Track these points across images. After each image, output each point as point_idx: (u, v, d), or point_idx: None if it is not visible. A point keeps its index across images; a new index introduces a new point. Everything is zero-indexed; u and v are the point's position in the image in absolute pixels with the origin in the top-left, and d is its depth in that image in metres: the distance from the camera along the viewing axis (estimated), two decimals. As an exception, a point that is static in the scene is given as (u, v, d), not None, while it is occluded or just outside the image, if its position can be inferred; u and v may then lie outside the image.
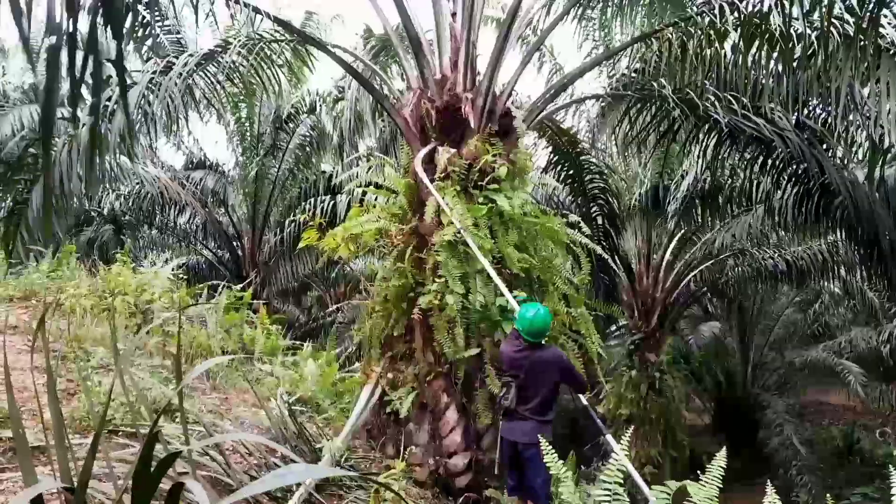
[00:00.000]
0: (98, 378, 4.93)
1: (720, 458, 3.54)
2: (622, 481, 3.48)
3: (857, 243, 8.14)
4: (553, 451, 3.83)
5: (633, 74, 7.68)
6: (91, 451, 1.96)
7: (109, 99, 6.12)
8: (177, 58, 6.88)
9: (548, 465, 3.70)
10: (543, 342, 4.58)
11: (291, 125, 13.83)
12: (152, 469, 2.04)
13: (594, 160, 11.31)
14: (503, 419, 4.62)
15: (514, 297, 5.40)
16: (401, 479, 4.79)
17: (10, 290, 7.32)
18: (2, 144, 11.03)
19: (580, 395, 4.92)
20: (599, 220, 11.19)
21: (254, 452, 4.20)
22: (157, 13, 7.50)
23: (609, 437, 4.52)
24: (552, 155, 10.50)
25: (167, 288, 7.89)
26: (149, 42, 7.39)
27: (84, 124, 5.98)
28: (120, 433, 3.94)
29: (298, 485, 3.92)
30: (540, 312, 4.50)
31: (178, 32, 10.38)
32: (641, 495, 4.22)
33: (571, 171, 10.70)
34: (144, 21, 7.21)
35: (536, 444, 4.01)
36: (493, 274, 5.34)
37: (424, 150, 5.98)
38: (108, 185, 12.49)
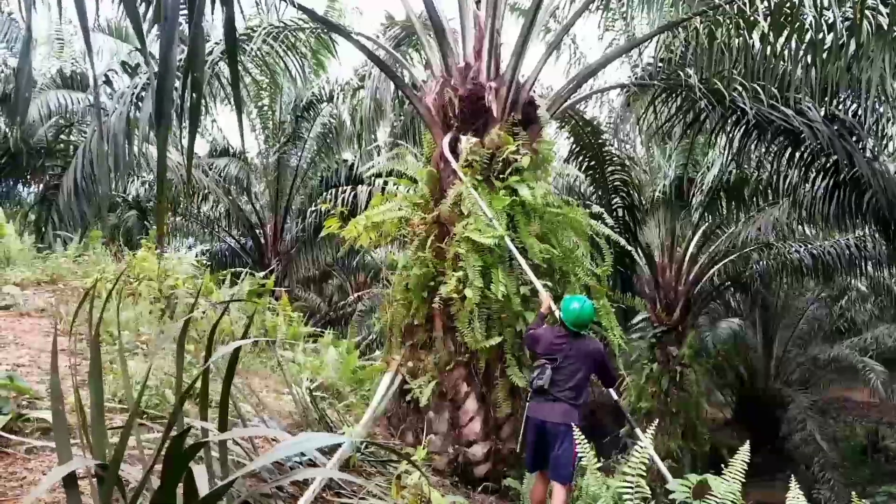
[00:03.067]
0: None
1: (743, 453, 3.51)
2: (644, 474, 3.47)
3: (890, 236, 8.00)
4: (584, 437, 3.92)
5: (659, 64, 7.59)
6: (125, 430, 1.99)
7: (137, 87, 6.19)
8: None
9: (577, 447, 3.82)
10: (584, 333, 4.78)
11: (312, 113, 13.88)
12: (181, 453, 2.07)
13: (616, 151, 11.22)
14: (532, 399, 4.71)
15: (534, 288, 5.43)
16: (421, 466, 4.81)
17: (38, 274, 7.44)
18: (30, 129, 11.18)
19: (610, 391, 5.04)
20: (620, 212, 11.12)
21: (278, 437, 4.24)
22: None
23: (638, 431, 4.52)
24: (574, 145, 10.44)
25: (191, 274, 7.97)
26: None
27: (115, 110, 6.05)
28: (145, 416, 3.99)
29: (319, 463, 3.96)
30: (585, 305, 4.75)
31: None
32: (661, 488, 4.21)
33: (593, 163, 10.63)
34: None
35: (568, 424, 4.33)
36: (525, 267, 5.33)
37: (449, 136, 5.96)
38: (133, 172, 12.66)
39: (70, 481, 1.98)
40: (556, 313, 5.07)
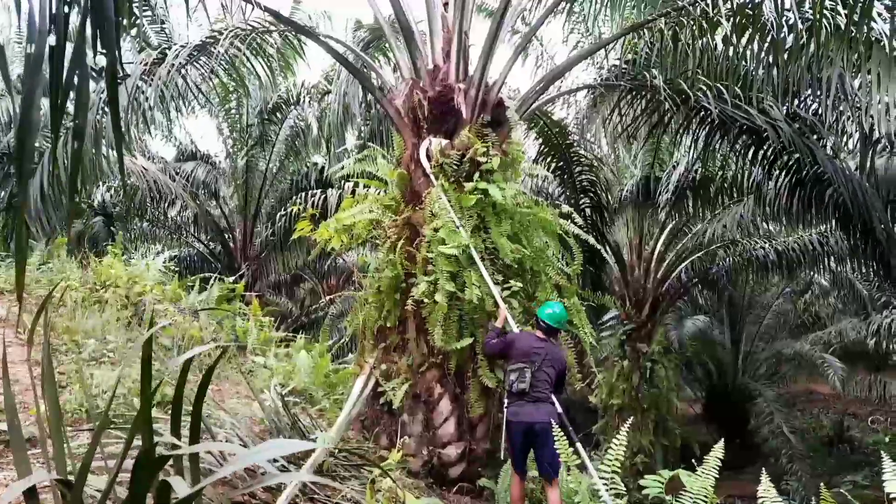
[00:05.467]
0: (89, 371, 4.91)
1: (717, 450, 3.56)
2: (619, 470, 3.51)
3: (851, 231, 8.18)
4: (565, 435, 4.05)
5: (625, 65, 7.68)
6: (92, 444, 1.95)
7: (104, 91, 6.08)
8: (168, 49, 6.84)
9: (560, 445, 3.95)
10: (555, 341, 5.08)
11: (279, 116, 13.77)
12: (146, 465, 2.04)
13: (584, 152, 11.32)
14: (512, 403, 4.83)
15: (510, 288, 5.47)
16: (395, 469, 4.80)
17: (0, 283, 7.27)
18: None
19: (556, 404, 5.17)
20: (588, 212, 11.22)
21: (248, 445, 4.19)
22: (144, 4, 7.41)
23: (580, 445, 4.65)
24: (542, 146, 10.51)
25: (158, 280, 7.85)
26: (133, 31, 7.30)
27: (76, 120, 5.92)
28: (112, 426, 3.92)
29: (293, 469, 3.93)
30: (563, 306, 5.20)
31: (164, 23, 10.29)
32: (634, 484, 4.27)
33: (561, 163, 10.72)
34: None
35: (553, 422, 4.52)
36: (487, 279, 5.35)
37: (425, 142, 5.95)
38: (98, 178, 12.42)
39: (31, 495, 1.93)
40: (514, 326, 5.25)
